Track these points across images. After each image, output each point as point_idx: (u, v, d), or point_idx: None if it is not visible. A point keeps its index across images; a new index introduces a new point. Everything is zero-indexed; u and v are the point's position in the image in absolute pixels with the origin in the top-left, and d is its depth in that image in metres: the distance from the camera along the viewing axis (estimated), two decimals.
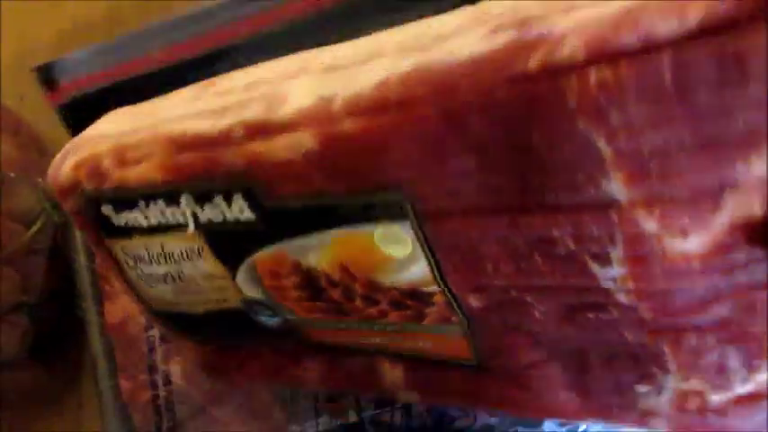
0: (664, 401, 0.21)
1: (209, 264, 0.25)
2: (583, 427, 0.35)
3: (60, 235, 0.43)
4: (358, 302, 0.23)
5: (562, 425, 0.35)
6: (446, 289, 0.22)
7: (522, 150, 0.17)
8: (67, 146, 0.27)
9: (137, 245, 0.26)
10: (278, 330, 0.27)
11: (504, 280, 0.20)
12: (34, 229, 0.41)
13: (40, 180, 0.43)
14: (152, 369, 0.38)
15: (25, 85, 0.51)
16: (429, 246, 0.21)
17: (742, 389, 0.19)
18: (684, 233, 0.17)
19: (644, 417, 0.22)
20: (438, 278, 0.21)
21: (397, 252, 0.21)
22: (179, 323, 0.30)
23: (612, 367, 0.21)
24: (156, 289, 0.28)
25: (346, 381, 0.28)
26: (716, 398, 0.20)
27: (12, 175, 0.40)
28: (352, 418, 0.37)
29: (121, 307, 0.40)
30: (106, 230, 0.27)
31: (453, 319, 0.22)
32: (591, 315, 0.20)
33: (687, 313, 0.18)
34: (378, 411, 0.38)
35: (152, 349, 0.38)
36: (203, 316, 0.28)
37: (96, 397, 0.39)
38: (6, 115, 0.43)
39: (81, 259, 0.42)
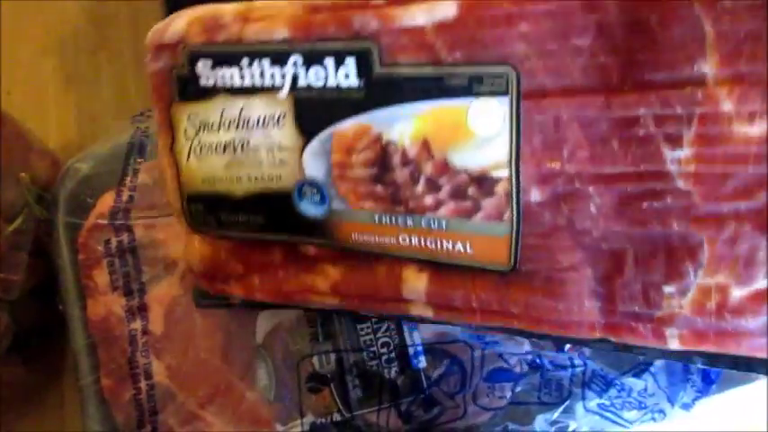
0: (686, 302, 0.22)
1: (284, 132, 0.27)
2: (573, 426, 0.34)
3: (43, 231, 0.42)
4: (419, 187, 0.25)
5: (552, 424, 0.35)
6: (515, 174, 0.23)
7: (638, 29, 0.21)
8: (175, 14, 0.29)
9: (213, 108, 0.28)
10: (314, 224, 0.27)
11: (575, 166, 0.23)
12: (15, 224, 0.40)
13: (23, 175, 0.43)
14: (133, 364, 0.37)
15: (11, 81, 0.51)
16: (518, 124, 0.23)
17: (763, 283, 0.21)
18: (752, 118, 0.20)
19: (660, 326, 0.23)
20: (513, 160, 0.23)
21: (485, 129, 0.23)
22: (211, 206, 0.30)
23: (647, 266, 0.23)
24: (206, 161, 0.29)
25: (361, 288, 0.28)
26: (737, 293, 0.22)
27: None
28: (337, 417, 0.37)
29: (103, 304, 0.39)
30: (184, 93, 0.28)
31: (505, 216, 0.24)
32: (645, 204, 0.22)
33: (733, 198, 0.21)
34: (365, 411, 0.37)
35: (133, 344, 0.37)
36: (242, 199, 0.28)
37: (78, 394, 0.39)
38: None
39: (64, 255, 0.41)
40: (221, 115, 0.28)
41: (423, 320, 0.28)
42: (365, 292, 0.28)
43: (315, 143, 0.26)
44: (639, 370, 0.35)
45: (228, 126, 0.28)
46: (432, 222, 0.25)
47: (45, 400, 0.42)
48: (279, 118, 0.27)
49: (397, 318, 0.34)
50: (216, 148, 0.28)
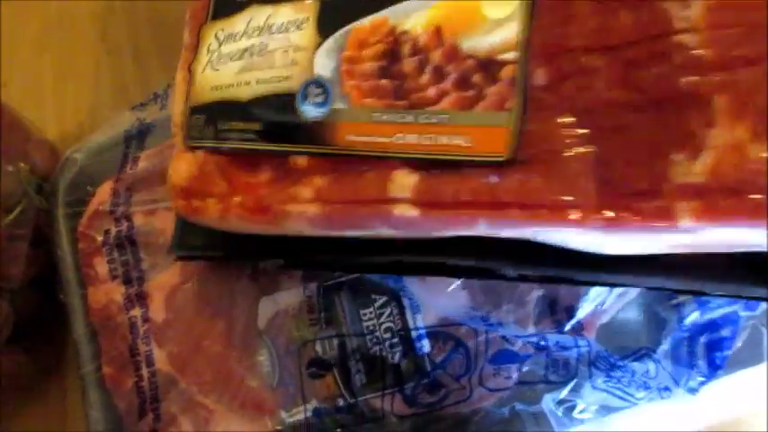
0: (697, 170, 0.21)
1: (303, 33, 0.29)
2: (581, 405, 0.34)
3: (43, 221, 0.42)
4: (425, 77, 0.26)
5: (560, 403, 0.34)
6: (523, 56, 0.24)
7: None
8: None
9: (241, 19, 0.30)
10: (311, 130, 0.28)
11: (583, 40, 0.23)
12: (14, 214, 0.40)
13: (22, 165, 0.43)
14: (134, 352, 0.37)
15: (8, 72, 0.51)
16: (533, 3, 0.24)
17: None
18: None
19: (669, 201, 0.22)
20: (522, 41, 0.24)
21: (498, 12, 0.25)
22: (212, 116, 0.31)
23: (654, 137, 0.22)
24: (220, 70, 0.31)
25: (346, 193, 0.27)
26: (755, 150, 0.20)
27: None
28: (341, 402, 0.36)
29: (104, 292, 0.39)
30: (217, 12, 0.32)
31: (507, 104, 0.24)
32: (653, 69, 0.22)
33: (747, 45, 0.21)
34: (369, 396, 0.37)
35: (134, 332, 0.37)
36: (246, 103, 0.30)
37: (79, 382, 0.38)
38: None
39: (64, 245, 0.41)
40: (247, 24, 0.30)
41: (406, 224, 0.27)
42: (349, 196, 0.27)
43: (330, 41, 0.28)
44: (641, 354, 0.35)
45: (251, 34, 0.30)
46: (431, 117, 0.26)
47: (47, 390, 0.42)
48: (301, 22, 0.29)
49: (377, 225, 0.30)
50: (233, 56, 0.30)
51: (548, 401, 0.34)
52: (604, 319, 0.36)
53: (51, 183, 0.43)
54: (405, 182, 0.26)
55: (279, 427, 0.37)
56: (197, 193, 0.31)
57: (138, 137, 0.42)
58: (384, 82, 0.27)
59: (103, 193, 0.41)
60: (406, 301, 0.36)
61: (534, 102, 0.24)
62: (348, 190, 0.27)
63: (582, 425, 0.35)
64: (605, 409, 0.34)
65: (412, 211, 0.26)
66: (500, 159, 0.24)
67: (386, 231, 0.28)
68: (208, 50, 0.32)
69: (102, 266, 0.40)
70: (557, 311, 0.36)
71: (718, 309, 0.35)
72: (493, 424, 0.36)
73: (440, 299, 0.36)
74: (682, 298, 0.35)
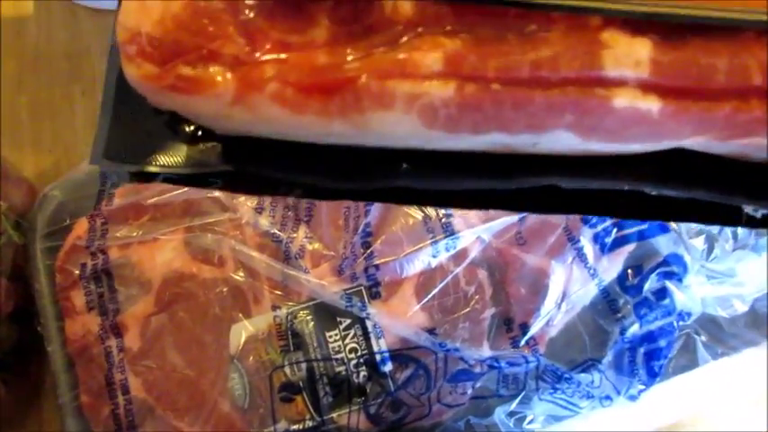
0: None
1: None
2: (530, 416, 0.37)
3: (21, 256, 0.44)
4: None
5: (511, 415, 0.37)
6: None
7: None
8: None
9: None
10: None
11: None
12: None
13: (1, 203, 0.44)
14: (110, 380, 0.39)
15: None
16: None
17: None
18: None
19: None
20: None
21: None
22: None
23: None
24: None
25: (508, 67, 0.16)
26: None
27: None
28: (309, 423, 0.38)
29: (81, 323, 0.41)
30: None
31: None
32: None
33: None
34: (335, 414, 0.39)
35: (110, 361, 0.39)
36: None
37: (57, 412, 0.40)
38: None
39: (41, 278, 0.43)
40: None
41: (629, 123, 0.16)
42: (515, 71, 0.16)
43: None
44: (588, 366, 0.38)
45: None
46: None
47: (24, 420, 0.43)
48: None
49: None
50: None
51: (499, 414, 0.36)
52: (553, 332, 0.38)
53: (29, 219, 0.45)
54: (634, 51, 0.16)
55: None
56: (185, 52, 0.18)
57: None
58: None
59: (80, 229, 0.43)
60: (369, 324, 0.38)
61: None
62: (513, 60, 0.16)
63: None
64: (553, 418, 0.36)
65: (648, 102, 0.16)
66: None
67: (564, 139, 0.17)
68: None
69: (79, 299, 0.41)
70: (512, 328, 0.39)
71: (656, 321, 0.38)
72: None
73: (400, 322, 0.38)
74: (623, 311, 0.38)
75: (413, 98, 0.16)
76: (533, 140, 0.17)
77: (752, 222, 0.19)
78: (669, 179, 0.19)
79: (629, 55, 0.16)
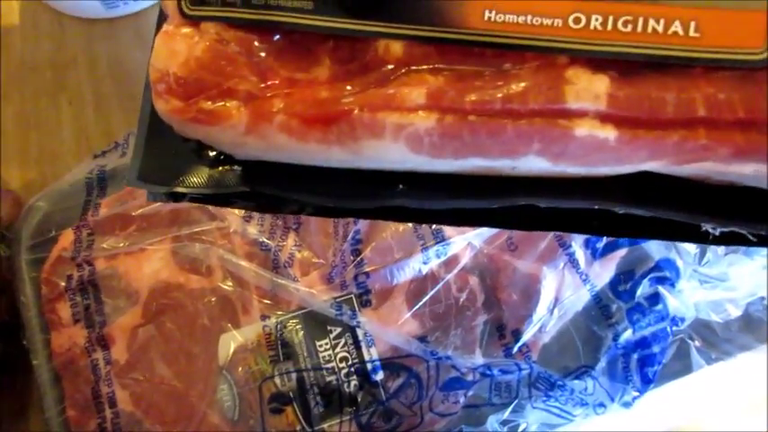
0: None
1: None
2: (523, 425, 0.36)
3: (5, 268, 0.43)
4: None
5: (504, 423, 0.36)
6: None
7: None
8: None
9: None
10: None
11: None
12: None
13: None
14: (96, 394, 0.38)
15: None
16: None
17: None
18: None
19: None
20: None
21: None
22: None
23: None
24: None
25: (484, 101, 0.19)
26: None
27: None
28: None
29: (67, 336, 0.40)
30: None
31: None
32: None
33: None
34: (326, 425, 0.38)
35: (96, 374, 0.38)
36: None
37: (44, 427, 0.39)
38: None
39: (27, 290, 0.42)
40: None
41: (590, 150, 0.18)
42: (490, 104, 0.18)
43: None
44: (581, 373, 0.37)
45: None
46: None
47: None
48: None
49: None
50: None
51: (492, 422, 0.36)
52: (546, 339, 0.38)
53: (14, 231, 0.44)
54: (593, 86, 0.18)
55: None
56: (206, 89, 0.20)
57: (99, 184, 0.44)
58: None
59: (66, 240, 0.42)
60: (359, 332, 0.38)
61: None
62: (487, 94, 0.18)
63: None
64: (546, 426, 0.36)
65: (605, 132, 0.18)
66: (757, 57, 0.17)
67: (536, 163, 0.19)
68: None
69: (65, 311, 0.41)
70: (504, 335, 0.39)
71: (649, 326, 0.37)
72: None
73: (391, 330, 0.38)
74: (616, 317, 0.38)
75: (400, 128, 0.19)
76: (511, 164, 0.19)
77: (716, 240, 0.21)
78: (636, 199, 0.20)
79: (589, 90, 0.18)
